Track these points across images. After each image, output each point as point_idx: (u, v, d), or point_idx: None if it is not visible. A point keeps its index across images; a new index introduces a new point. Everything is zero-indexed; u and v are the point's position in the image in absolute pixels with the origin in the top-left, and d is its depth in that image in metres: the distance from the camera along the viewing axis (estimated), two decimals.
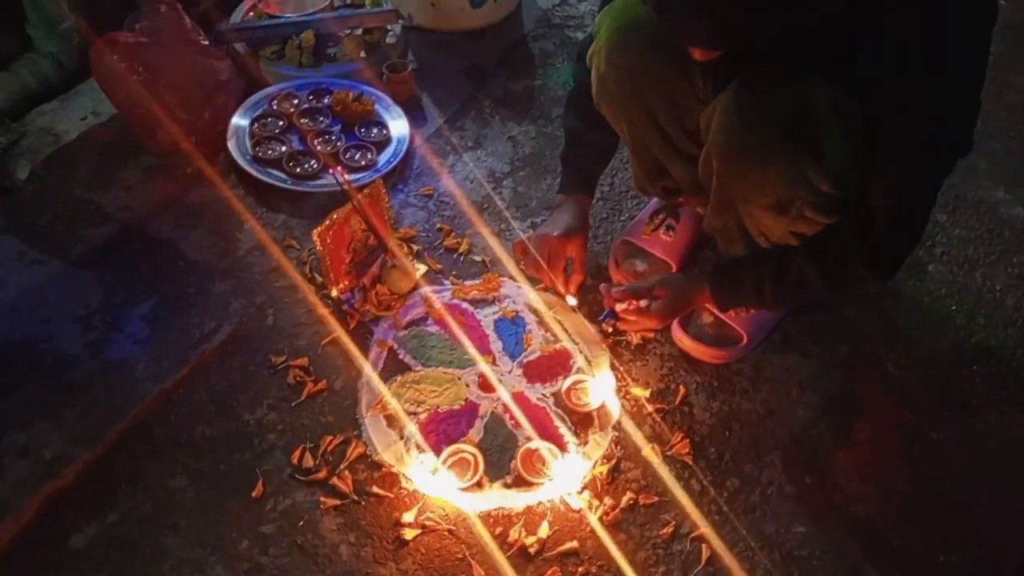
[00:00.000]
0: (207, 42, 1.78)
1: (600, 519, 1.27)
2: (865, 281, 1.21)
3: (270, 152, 1.76)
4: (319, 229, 1.42)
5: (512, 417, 1.39)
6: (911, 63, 0.99)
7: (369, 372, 1.44)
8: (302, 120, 1.84)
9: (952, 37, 0.99)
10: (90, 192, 1.68)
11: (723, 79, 1.17)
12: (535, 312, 1.55)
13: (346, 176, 1.49)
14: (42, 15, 1.85)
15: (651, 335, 1.52)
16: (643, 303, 1.42)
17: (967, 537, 1.30)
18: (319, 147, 1.78)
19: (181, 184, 1.72)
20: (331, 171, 1.63)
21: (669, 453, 1.36)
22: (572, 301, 1.54)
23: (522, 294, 1.58)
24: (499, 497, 1.29)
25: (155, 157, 1.75)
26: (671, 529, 1.27)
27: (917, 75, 1.00)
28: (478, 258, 1.65)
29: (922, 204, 1.13)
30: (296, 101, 1.88)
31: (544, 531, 1.25)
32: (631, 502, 1.30)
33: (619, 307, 1.44)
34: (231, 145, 1.75)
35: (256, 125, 1.81)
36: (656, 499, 1.31)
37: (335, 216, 1.44)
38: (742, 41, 0.98)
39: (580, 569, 1.22)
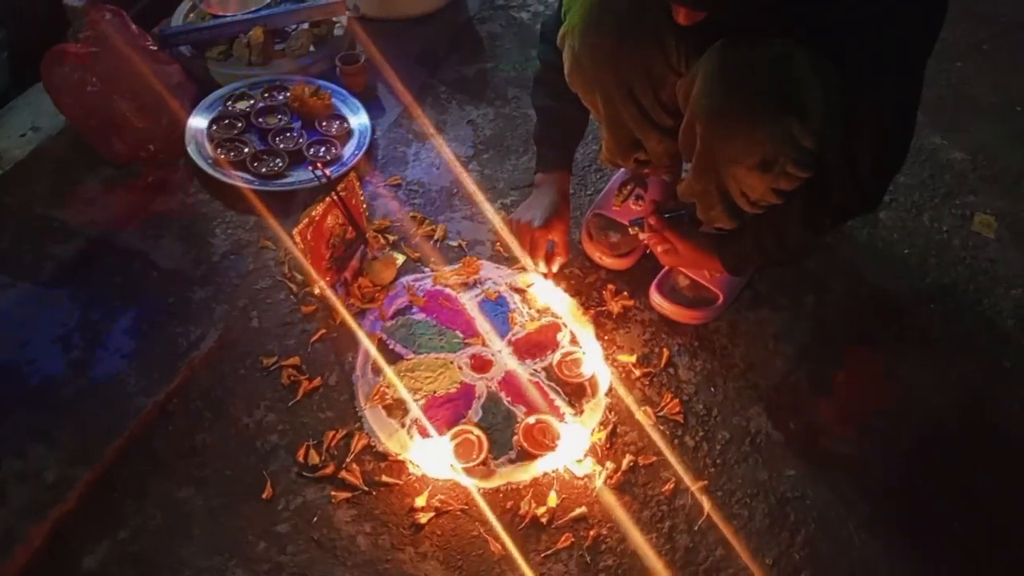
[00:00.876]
0: (155, 47, 1.74)
1: (604, 483, 1.32)
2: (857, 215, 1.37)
3: (232, 154, 1.73)
4: (299, 228, 1.42)
5: (508, 394, 1.42)
6: (882, 20, 1.06)
7: (362, 365, 1.45)
8: (260, 119, 1.82)
9: None
10: (52, 209, 1.63)
11: (695, 49, 1.22)
12: (517, 291, 1.58)
13: (327, 171, 1.49)
14: None
15: (631, 303, 1.57)
16: (660, 248, 1.50)
17: (942, 462, 1.40)
18: (281, 145, 1.76)
19: (144, 193, 1.68)
20: (310, 167, 1.62)
21: (661, 414, 1.42)
22: (554, 285, 1.58)
23: (502, 274, 1.61)
24: (506, 473, 1.33)
25: (114, 168, 1.71)
26: (672, 486, 1.33)
27: (888, 33, 1.07)
28: (454, 243, 1.67)
29: (902, 140, 1.22)
30: (252, 100, 1.85)
31: (553, 500, 1.30)
32: (631, 464, 1.35)
33: (645, 234, 1.53)
34: (191, 150, 1.72)
35: (214, 127, 1.78)
36: (654, 459, 1.36)
37: (313, 213, 1.44)
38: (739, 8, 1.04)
39: (591, 533, 1.27)
